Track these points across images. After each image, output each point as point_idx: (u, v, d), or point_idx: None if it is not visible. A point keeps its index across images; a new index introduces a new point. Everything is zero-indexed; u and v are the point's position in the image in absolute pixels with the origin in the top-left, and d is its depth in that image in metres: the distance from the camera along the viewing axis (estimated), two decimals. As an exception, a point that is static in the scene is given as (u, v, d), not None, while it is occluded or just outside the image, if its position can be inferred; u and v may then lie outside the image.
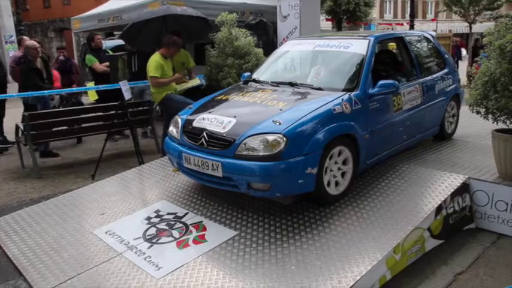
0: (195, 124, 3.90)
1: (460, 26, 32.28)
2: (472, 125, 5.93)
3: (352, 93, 3.93)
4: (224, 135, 3.59)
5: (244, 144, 3.44)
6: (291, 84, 4.31)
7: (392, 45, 6.07)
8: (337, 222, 3.51)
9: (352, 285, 2.78)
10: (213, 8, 7.90)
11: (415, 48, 5.15)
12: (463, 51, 17.77)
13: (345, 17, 24.86)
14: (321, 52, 4.71)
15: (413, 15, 16.86)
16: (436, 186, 3.98)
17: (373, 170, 4.41)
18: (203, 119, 3.88)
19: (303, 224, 3.52)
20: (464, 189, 4.00)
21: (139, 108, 6.65)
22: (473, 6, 15.59)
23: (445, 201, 3.76)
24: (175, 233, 3.56)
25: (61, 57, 8.57)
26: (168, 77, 5.76)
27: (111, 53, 7.36)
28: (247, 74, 5.16)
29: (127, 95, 5.64)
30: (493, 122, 4.16)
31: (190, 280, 2.97)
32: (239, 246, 3.31)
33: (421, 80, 4.83)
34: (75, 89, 8.22)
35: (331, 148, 3.61)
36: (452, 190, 3.88)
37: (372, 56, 4.26)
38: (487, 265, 3.47)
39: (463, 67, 15.09)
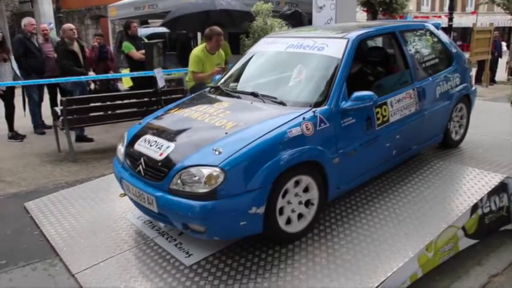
0: (136, 147, 3.37)
1: (502, 19, 31.12)
2: (512, 122, 5.72)
3: (318, 110, 3.26)
4: (159, 164, 3.05)
5: (179, 176, 2.89)
6: (254, 95, 3.63)
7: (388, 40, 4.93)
8: (369, 217, 3.46)
9: (383, 281, 2.74)
10: (249, -3, 7.88)
11: (411, 45, 4.36)
12: (504, 46, 17.14)
13: (380, 9, 24.37)
14: (292, 54, 3.97)
15: (452, 8, 16.32)
16: (472, 184, 3.87)
17: (407, 166, 4.34)
18: (144, 140, 3.35)
19: (334, 217, 3.49)
20: (502, 188, 3.88)
21: (173, 96, 6.71)
22: (518, -3, 14.94)
23: (481, 200, 3.66)
24: (206, 221, 3.58)
25: (95, 44, 8.71)
26: (207, 71, 5.61)
27: (146, 41, 7.47)
28: (218, 76, 4.60)
29: (161, 83, 5.71)
30: (536, 120, 4.01)
31: (220, 268, 2.99)
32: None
33: (416, 84, 4.09)
34: (110, 75, 8.37)
35: (286, 180, 3.00)
36: (489, 189, 3.77)
37: (349, 61, 3.55)
38: (524, 268, 3.37)
39: (503, 62, 14.58)
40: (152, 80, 6.12)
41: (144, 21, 14.25)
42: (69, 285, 3.07)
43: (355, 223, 3.40)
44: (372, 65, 4.57)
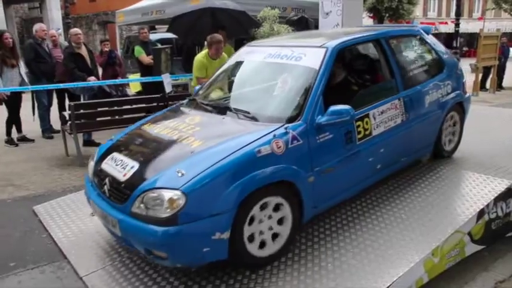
0: (103, 165, 3.25)
1: (509, 24, 31.08)
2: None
3: (290, 126, 3.07)
4: (122, 185, 2.93)
5: (141, 199, 2.74)
6: (227, 109, 3.52)
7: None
8: (374, 222, 3.47)
9: (389, 286, 2.74)
10: (255, 4, 7.95)
11: (397, 52, 4.14)
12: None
13: (387, 15, 24.44)
14: (269, 65, 3.80)
15: (459, 14, 16.29)
16: (478, 190, 3.87)
17: (413, 171, 4.34)
18: (111, 159, 3.23)
19: (340, 222, 3.51)
20: (508, 194, 3.86)
21: (180, 101, 6.76)
22: (525, 4, 14.92)
23: (487, 205, 3.65)
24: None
25: (105, 49, 8.80)
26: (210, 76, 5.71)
27: (159, 45, 7.58)
28: (198, 87, 4.43)
29: (168, 88, 5.76)
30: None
31: (226, 272, 3.00)
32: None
33: (403, 94, 3.89)
34: (117, 80, 8.44)
35: (254, 202, 2.83)
36: (496, 195, 3.75)
37: (327, 72, 3.34)
38: (531, 274, 3.35)
39: (511, 68, 14.53)
40: (160, 85, 6.17)
41: (151, 26, 14.38)
42: (77, 287, 3.10)
43: (361, 228, 3.41)
44: (354, 74, 4.36)
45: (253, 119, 3.28)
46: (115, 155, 3.26)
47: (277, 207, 3.00)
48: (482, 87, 13.17)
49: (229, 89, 4.06)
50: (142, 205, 2.74)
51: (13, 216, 4.35)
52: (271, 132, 3.00)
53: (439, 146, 4.54)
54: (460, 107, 4.72)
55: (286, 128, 3.05)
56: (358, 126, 3.44)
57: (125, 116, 6.63)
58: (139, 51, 7.69)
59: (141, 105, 6.68)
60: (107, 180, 3.08)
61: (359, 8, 8.15)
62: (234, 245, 2.78)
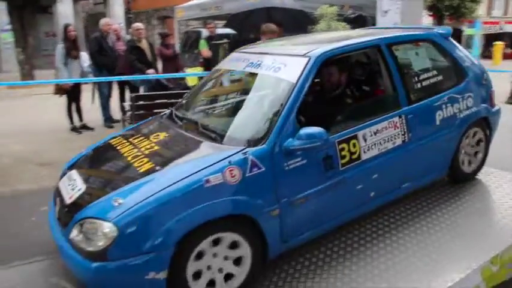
0: (60, 183, 3.05)
1: None
2: None
3: (251, 151, 2.66)
4: (66, 209, 2.73)
5: (78, 227, 2.50)
6: (196, 126, 3.15)
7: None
8: (429, 225, 3.40)
9: (444, 291, 2.70)
10: (313, 1, 7.95)
11: (402, 61, 3.59)
12: None
13: (447, 13, 23.51)
14: (247, 76, 3.43)
15: (527, 13, 15.42)
16: (543, 199, 3.70)
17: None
18: (68, 177, 3.03)
19: (394, 223, 3.47)
20: None
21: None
22: None
23: (553, 216, 3.48)
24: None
25: (172, 42, 9.06)
26: None
27: (225, 40, 7.84)
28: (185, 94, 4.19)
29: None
30: None
31: (281, 268, 3.05)
32: (333, 241, 3.28)
33: (406, 110, 3.35)
34: (174, 74, 8.69)
35: (200, 239, 2.49)
36: None
37: (305, 86, 2.87)
38: None
39: None
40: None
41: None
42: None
43: (415, 230, 3.36)
44: (344, 88, 3.86)
45: (216, 140, 2.91)
46: (72, 173, 3.08)
47: (233, 243, 2.63)
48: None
49: (204, 102, 3.75)
50: (80, 234, 2.50)
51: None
52: (226, 157, 2.62)
53: (457, 167, 3.95)
54: (486, 123, 4.09)
55: (245, 153, 2.65)
56: (342, 149, 2.98)
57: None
58: (203, 45, 7.99)
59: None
60: (58, 200, 2.95)
61: (419, 6, 7.92)
62: (175, 286, 2.48)
